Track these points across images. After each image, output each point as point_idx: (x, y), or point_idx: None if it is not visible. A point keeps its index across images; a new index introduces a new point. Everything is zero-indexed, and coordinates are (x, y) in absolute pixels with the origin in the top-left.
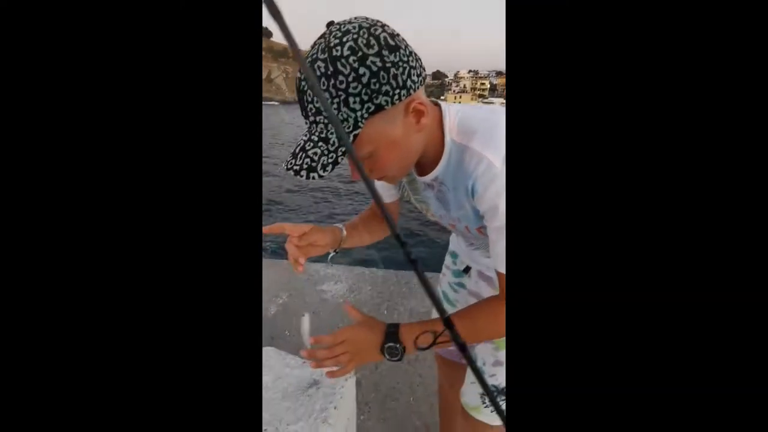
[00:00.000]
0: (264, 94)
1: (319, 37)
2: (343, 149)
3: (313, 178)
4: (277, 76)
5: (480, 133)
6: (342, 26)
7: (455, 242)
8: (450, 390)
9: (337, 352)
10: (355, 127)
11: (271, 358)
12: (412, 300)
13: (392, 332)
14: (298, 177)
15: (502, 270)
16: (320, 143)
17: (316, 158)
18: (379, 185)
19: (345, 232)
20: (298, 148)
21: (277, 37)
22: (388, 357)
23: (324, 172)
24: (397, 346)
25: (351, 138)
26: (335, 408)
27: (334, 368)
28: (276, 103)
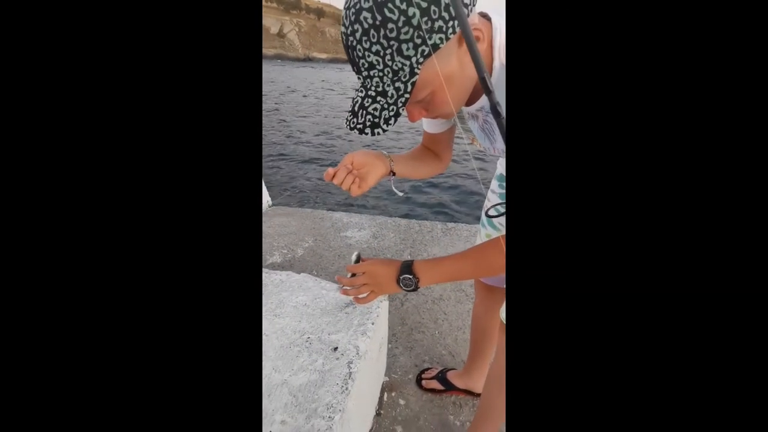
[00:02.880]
0: (277, 51)
1: None
2: (404, 99)
3: (378, 133)
4: (289, 30)
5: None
6: None
7: (503, 164)
8: (485, 315)
9: (357, 283)
10: (411, 74)
11: (308, 281)
12: (435, 247)
13: (407, 266)
14: (363, 135)
15: None
16: (379, 98)
17: (377, 113)
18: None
19: (391, 159)
20: (357, 105)
21: None
22: (403, 287)
23: (387, 126)
24: (411, 277)
25: (409, 87)
26: (372, 324)
27: (359, 296)
28: (280, 62)
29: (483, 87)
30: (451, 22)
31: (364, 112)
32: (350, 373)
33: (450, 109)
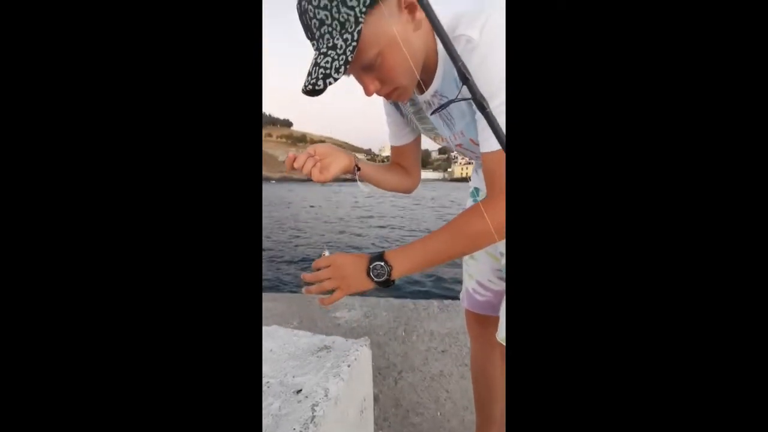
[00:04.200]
0: (283, 174)
1: None
2: (352, 47)
3: (330, 83)
4: None
5: (465, 16)
6: None
7: (475, 177)
8: (485, 362)
9: (321, 277)
10: (356, 23)
11: (278, 331)
12: (432, 323)
13: (378, 255)
14: (317, 88)
15: (485, 150)
16: (330, 52)
17: (329, 65)
18: (394, 130)
19: (356, 157)
20: (312, 66)
21: (297, 126)
22: (374, 279)
23: (338, 74)
24: (383, 264)
25: (355, 36)
26: (348, 366)
27: (324, 295)
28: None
29: (454, 64)
30: None
31: (317, 68)
32: (313, 416)
33: (399, 79)
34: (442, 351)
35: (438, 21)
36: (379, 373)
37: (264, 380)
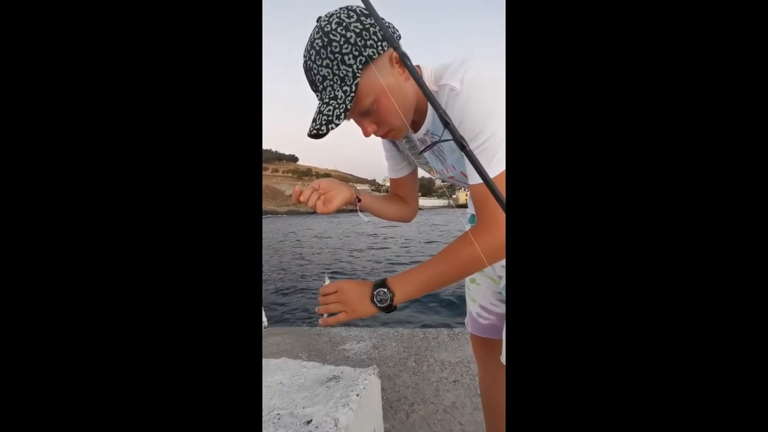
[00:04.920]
0: (289, 208)
1: (314, 28)
2: (351, 98)
3: (332, 128)
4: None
5: (450, 67)
6: (327, 13)
7: (471, 204)
8: (493, 385)
9: (328, 301)
10: (354, 78)
11: (287, 362)
12: (443, 352)
13: (380, 281)
14: (320, 132)
15: (471, 182)
16: (331, 101)
17: (330, 113)
18: (392, 164)
19: (357, 190)
20: (316, 113)
21: (303, 161)
22: (378, 304)
23: (338, 120)
24: (386, 290)
25: (353, 88)
26: (357, 395)
27: (329, 317)
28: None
29: (431, 103)
30: (380, 43)
31: (321, 115)
32: None
33: (393, 121)
34: (454, 381)
35: (420, 78)
36: (390, 407)
37: (275, 412)
